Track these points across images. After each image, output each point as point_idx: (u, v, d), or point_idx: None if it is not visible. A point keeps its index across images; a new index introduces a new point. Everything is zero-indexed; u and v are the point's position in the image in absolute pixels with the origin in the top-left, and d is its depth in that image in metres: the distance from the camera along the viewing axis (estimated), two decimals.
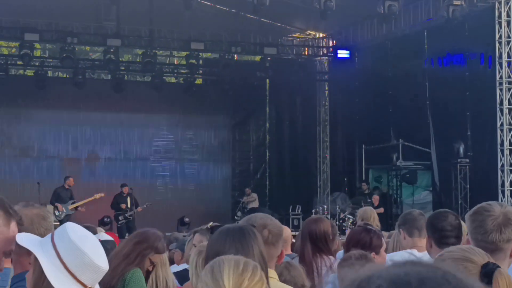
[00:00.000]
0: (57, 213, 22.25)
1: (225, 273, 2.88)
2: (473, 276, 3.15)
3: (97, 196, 22.87)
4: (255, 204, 27.41)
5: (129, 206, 23.75)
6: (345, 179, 28.23)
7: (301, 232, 6.76)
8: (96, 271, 2.90)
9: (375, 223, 13.44)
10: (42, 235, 3.65)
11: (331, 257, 6.54)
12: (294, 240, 8.73)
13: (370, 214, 13.76)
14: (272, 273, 4.13)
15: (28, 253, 3.40)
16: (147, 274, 5.91)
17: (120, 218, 23.47)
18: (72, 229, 2.97)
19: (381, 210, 21.64)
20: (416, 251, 6.18)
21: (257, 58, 29.15)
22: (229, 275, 2.88)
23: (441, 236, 5.12)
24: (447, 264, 3.27)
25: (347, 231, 18.23)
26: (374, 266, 1.43)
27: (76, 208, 22.90)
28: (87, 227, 8.05)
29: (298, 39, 30.28)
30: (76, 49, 26.49)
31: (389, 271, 1.37)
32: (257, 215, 4.41)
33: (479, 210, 4.34)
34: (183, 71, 29.37)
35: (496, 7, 21.66)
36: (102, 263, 2.93)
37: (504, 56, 21.40)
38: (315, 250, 6.51)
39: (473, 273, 3.22)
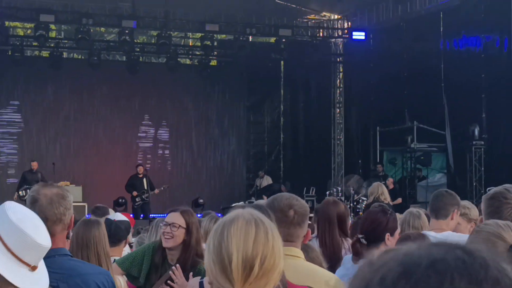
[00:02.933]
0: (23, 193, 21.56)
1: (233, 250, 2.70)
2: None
3: (61, 184, 22.02)
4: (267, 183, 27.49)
5: (145, 187, 23.73)
6: (360, 161, 28.21)
7: (320, 215, 6.76)
8: (39, 249, 2.86)
9: (384, 198, 13.52)
10: (61, 214, 3.71)
11: (348, 239, 6.55)
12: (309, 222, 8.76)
13: (378, 189, 13.82)
14: (298, 252, 4.16)
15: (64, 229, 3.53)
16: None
17: (137, 199, 23.53)
18: (12, 209, 2.89)
19: (399, 200, 21.26)
20: (433, 233, 5.96)
21: (272, 39, 29.07)
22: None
23: None
24: (481, 240, 3.28)
25: (361, 213, 18.22)
26: (394, 250, 1.34)
27: None
28: (98, 208, 8.05)
29: (313, 21, 30.16)
30: (91, 30, 26.55)
31: (404, 253, 1.30)
32: (283, 195, 4.42)
33: (497, 195, 4.34)
34: (197, 52, 29.33)
35: None
36: (44, 241, 2.89)
37: None
38: (334, 232, 6.55)
39: (500, 250, 3.23)
